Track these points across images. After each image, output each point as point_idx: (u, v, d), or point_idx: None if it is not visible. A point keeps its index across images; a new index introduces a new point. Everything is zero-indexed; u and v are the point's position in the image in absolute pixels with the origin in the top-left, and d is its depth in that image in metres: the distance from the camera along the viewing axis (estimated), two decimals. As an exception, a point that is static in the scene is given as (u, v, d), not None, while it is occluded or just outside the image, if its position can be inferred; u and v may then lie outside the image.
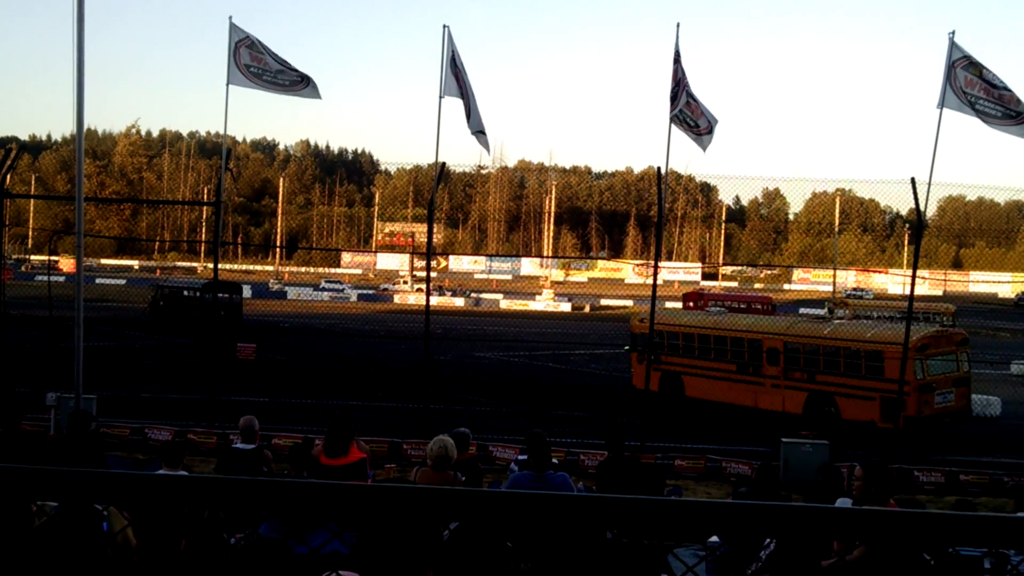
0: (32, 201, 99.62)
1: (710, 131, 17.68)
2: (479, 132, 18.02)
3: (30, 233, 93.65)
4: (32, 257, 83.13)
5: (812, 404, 20.55)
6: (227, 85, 17.37)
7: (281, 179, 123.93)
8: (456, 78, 17.36)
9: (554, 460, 9.85)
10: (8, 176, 17.81)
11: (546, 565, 3.47)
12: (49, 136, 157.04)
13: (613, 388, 24.93)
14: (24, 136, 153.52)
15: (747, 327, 23.40)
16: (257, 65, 17.38)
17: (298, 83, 17.59)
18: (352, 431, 8.83)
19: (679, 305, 43.00)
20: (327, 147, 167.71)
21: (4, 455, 9.18)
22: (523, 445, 10.66)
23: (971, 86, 15.61)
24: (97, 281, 54.69)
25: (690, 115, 17.40)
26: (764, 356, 21.80)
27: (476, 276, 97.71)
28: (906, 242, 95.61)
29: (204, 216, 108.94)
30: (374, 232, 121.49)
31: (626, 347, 25.46)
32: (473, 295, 72.07)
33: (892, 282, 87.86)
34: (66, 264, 68.07)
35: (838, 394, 19.71)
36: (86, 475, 1.51)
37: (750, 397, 21.93)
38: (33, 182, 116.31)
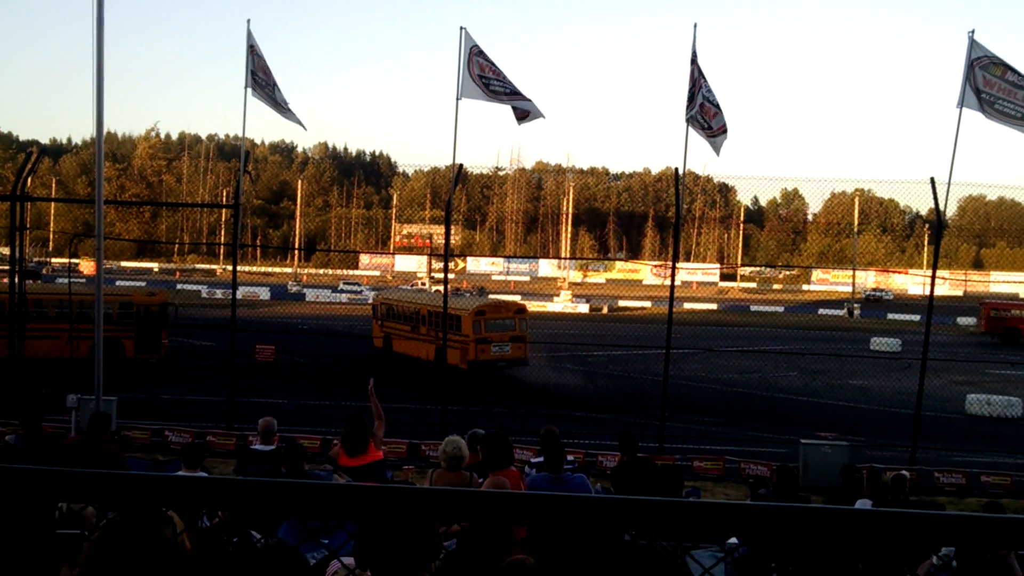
0: (53, 204, 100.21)
1: (724, 131, 17.43)
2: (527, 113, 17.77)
3: (51, 236, 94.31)
4: (53, 259, 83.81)
5: (438, 354, 25.83)
6: (245, 88, 17.48)
7: (299, 181, 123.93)
8: (480, 77, 17.26)
9: (570, 459, 9.76)
10: (29, 179, 17.99)
11: (554, 564, 3.46)
12: (69, 139, 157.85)
13: (632, 390, 24.85)
14: (45, 140, 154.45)
15: (415, 300, 32.10)
16: (263, 78, 17.58)
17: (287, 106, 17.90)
18: (368, 430, 8.87)
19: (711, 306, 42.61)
20: (345, 149, 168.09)
21: (25, 457, 9.26)
22: (539, 446, 10.56)
23: (989, 86, 15.44)
24: (117, 283, 54.99)
25: (703, 118, 17.22)
26: (420, 320, 29.34)
27: (494, 277, 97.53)
28: (926, 242, 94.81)
29: (223, 219, 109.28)
30: (392, 234, 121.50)
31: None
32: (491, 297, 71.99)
33: (912, 282, 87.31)
34: (86, 266, 68.71)
35: (451, 346, 24.50)
36: (107, 477, 1.51)
37: (415, 349, 29.38)
38: (54, 185, 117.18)
